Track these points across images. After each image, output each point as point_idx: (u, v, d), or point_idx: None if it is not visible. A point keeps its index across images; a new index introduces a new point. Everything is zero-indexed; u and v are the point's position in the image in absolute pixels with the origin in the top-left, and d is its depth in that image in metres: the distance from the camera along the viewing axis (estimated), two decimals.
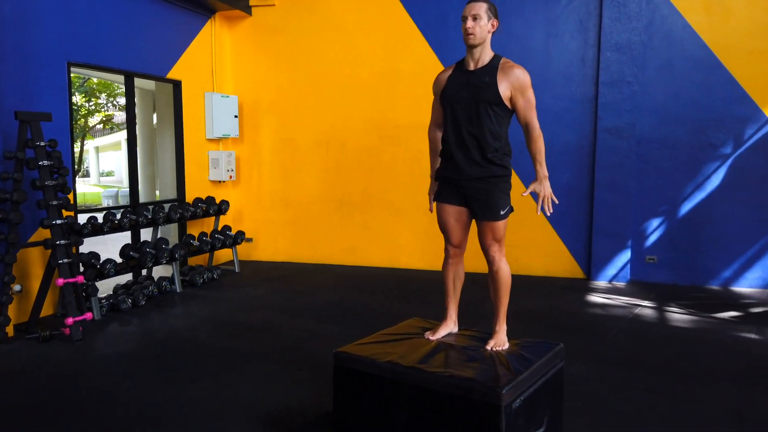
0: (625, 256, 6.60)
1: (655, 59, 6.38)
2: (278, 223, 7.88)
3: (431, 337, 3.07)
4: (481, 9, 2.91)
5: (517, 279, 6.70)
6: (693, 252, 6.49)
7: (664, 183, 6.48)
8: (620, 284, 6.57)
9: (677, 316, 5.39)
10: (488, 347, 2.89)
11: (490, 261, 2.99)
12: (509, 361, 2.65)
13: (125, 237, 6.45)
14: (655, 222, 6.58)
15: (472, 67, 3.01)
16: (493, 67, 2.96)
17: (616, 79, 6.43)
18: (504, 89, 2.91)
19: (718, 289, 6.34)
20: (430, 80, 6.93)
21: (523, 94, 2.92)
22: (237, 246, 7.33)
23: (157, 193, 9.90)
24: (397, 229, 7.40)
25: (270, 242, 7.93)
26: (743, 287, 6.36)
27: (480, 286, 6.45)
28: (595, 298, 6.02)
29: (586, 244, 6.76)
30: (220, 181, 7.62)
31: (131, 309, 5.60)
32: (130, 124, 6.42)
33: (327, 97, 7.51)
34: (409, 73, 7.18)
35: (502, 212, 2.98)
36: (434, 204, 3.26)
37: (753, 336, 4.79)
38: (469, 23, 2.91)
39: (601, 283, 6.63)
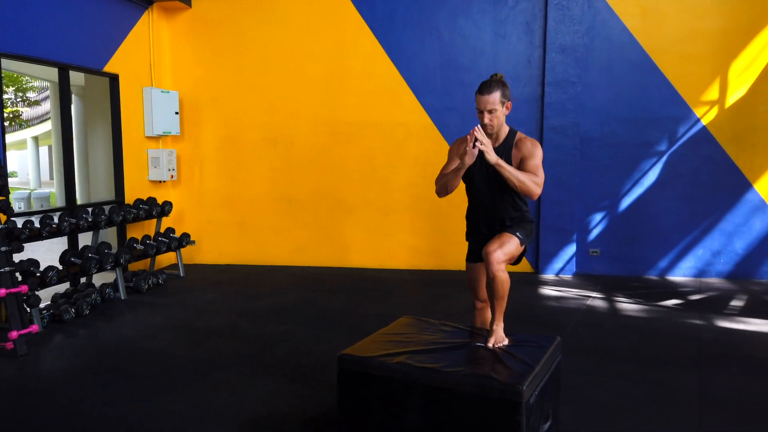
0: (571, 249, 6.87)
1: (596, 61, 6.68)
2: (223, 224, 7.60)
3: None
4: (496, 102, 3.01)
5: None
6: (632, 244, 6.86)
7: (605, 179, 6.80)
8: (567, 277, 6.84)
9: (626, 305, 5.67)
10: (489, 344, 2.91)
11: (489, 265, 2.99)
12: (518, 357, 2.67)
13: (55, 243, 5.99)
14: (597, 216, 6.89)
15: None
16: (508, 146, 3.12)
17: (561, 80, 6.67)
18: (516, 163, 3.08)
19: (656, 279, 6.74)
20: (381, 77, 7.03)
21: (529, 160, 3.06)
22: (181, 249, 7.00)
23: (78, 195, 9.25)
24: (349, 227, 7.34)
25: (214, 244, 7.63)
26: (678, 276, 6.79)
27: (454, 285, 6.54)
28: (547, 291, 6.23)
29: (534, 239, 6.98)
30: (160, 181, 7.24)
31: (75, 319, 5.21)
32: (65, 121, 5.97)
33: (274, 93, 7.32)
34: (359, 71, 7.12)
35: (517, 233, 3.11)
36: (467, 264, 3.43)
37: (698, 322, 5.12)
38: (487, 119, 3.03)
39: (549, 276, 6.88)
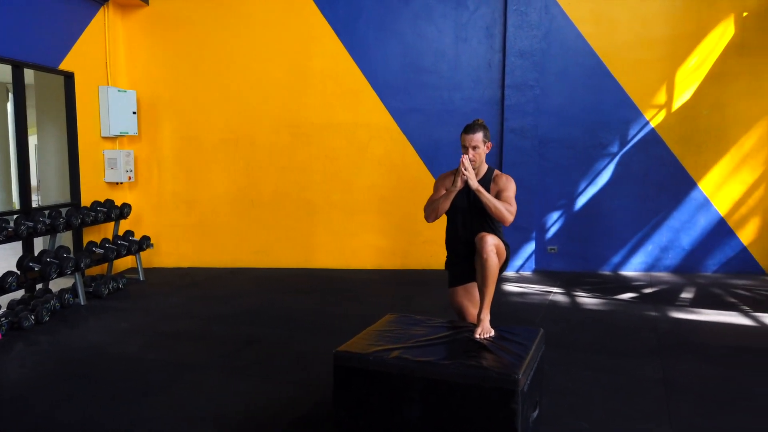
0: (530, 247, 7.10)
1: (553, 65, 6.93)
2: (182, 227, 7.44)
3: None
4: (479, 141, 3.36)
5: (434, 273, 7.02)
6: (587, 241, 7.15)
7: (562, 179, 7.06)
8: (527, 273, 7.06)
9: (586, 300, 5.92)
10: (476, 335, 3.01)
11: (482, 248, 3.14)
12: (508, 348, 2.78)
13: (2, 248, 5.74)
14: (555, 215, 7.15)
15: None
16: (487, 180, 3.45)
17: (520, 83, 6.89)
18: (493, 195, 3.36)
19: (610, 274, 7.05)
20: (344, 78, 7.08)
21: (503, 192, 3.39)
22: (140, 252, 6.82)
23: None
24: (313, 228, 7.33)
25: (173, 247, 7.47)
26: (630, 271, 7.13)
27: (420, 284, 6.62)
28: (510, 287, 6.42)
29: None
30: (117, 183, 7.03)
31: (35, 326, 5.01)
32: (20, 121, 5.72)
33: (234, 93, 7.23)
34: (322, 71, 7.13)
35: (504, 241, 3.38)
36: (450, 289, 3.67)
37: (654, 314, 5.41)
38: (471, 155, 3.35)
39: (510, 273, 7.08)
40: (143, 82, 7.23)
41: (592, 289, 6.30)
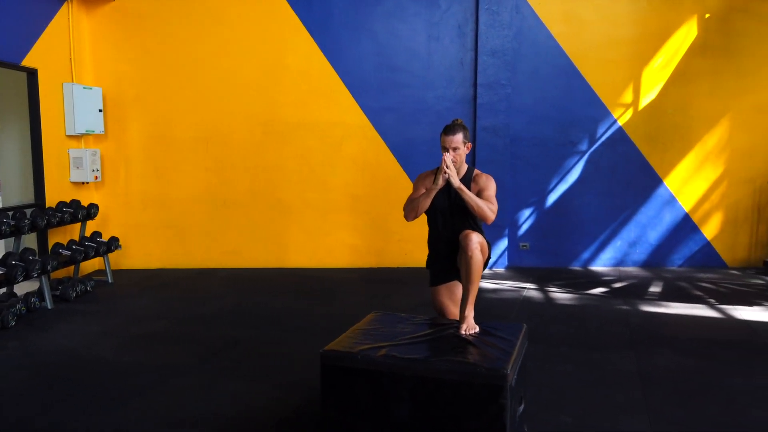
0: (503, 243, 7.19)
1: (525, 65, 7.02)
2: (151, 227, 7.28)
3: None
4: (459, 142, 3.38)
5: (409, 271, 7.05)
6: (558, 237, 7.28)
7: (534, 177, 7.17)
8: (500, 270, 7.15)
9: (559, 295, 6.03)
10: (462, 331, 3.04)
11: (467, 244, 3.15)
12: (494, 344, 2.81)
13: None
14: (526, 212, 7.26)
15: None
16: (468, 180, 3.47)
17: (492, 82, 6.96)
18: (474, 194, 3.36)
19: (580, 270, 7.19)
20: (318, 77, 7.04)
21: (484, 191, 3.42)
22: (108, 254, 6.65)
23: None
24: (286, 228, 7.27)
25: (142, 248, 7.30)
26: (599, 266, 7.28)
27: (395, 282, 6.62)
28: (484, 284, 6.47)
29: None
30: (83, 183, 6.84)
31: (1, 331, 4.83)
32: None
33: (206, 91, 7.11)
34: (295, 70, 7.07)
35: (486, 241, 3.36)
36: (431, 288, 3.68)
37: (625, 308, 5.54)
38: (452, 156, 3.35)
39: (484, 270, 7.14)
40: (110, 79, 7.05)
41: (564, 285, 6.41)
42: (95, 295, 6.04)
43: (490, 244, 3.54)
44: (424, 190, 3.45)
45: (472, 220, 3.43)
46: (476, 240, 3.18)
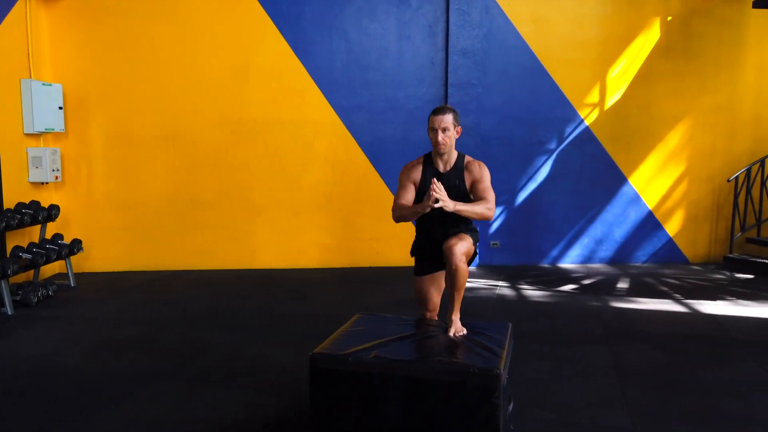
0: None
1: (494, 65, 7.09)
2: (115, 229, 7.06)
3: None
4: (449, 122, 3.23)
5: (381, 270, 7.04)
6: (527, 235, 7.38)
7: (503, 176, 7.23)
8: (472, 268, 7.19)
9: (531, 292, 6.11)
10: (450, 334, 3.03)
11: (451, 257, 3.12)
12: (484, 344, 2.82)
13: None
14: (497, 210, 7.33)
15: (441, 168, 3.34)
16: (459, 168, 3.33)
17: (463, 82, 7.00)
18: (468, 185, 3.29)
19: (549, 267, 7.31)
20: (288, 75, 6.95)
21: (479, 183, 3.30)
22: (71, 257, 6.41)
23: None
24: (257, 228, 7.15)
25: (105, 250, 7.07)
26: (567, 264, 7.42)
27: (368, 282, 6.59)
28: None
29: None
30: (42, 183, 6.58)
31: None
32: None
33: (172, 88, 6.93)
34: (265, 67, 6.96)
35: (469, 234, 3.32)
36: (415, 277, 3.57)
37: (596, 303, 5.66)
38: (440, 137, 3.22)
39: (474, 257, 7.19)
40: (70, 76, 6.80)
41: (536, 282, 6.50)
42: (58, 300, 5.82)
43: (478, 232, 3.49)
44: (411, 187, 3.35)
45: (462, 220, 3.35)
46: (460, 251, 3.13)
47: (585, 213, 7.38)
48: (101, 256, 7.05)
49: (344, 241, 7.22)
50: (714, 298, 5.81)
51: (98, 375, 3.94)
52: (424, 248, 3.51)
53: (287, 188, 7.11)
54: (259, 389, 3.69)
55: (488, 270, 7.11)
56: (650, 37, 7.17)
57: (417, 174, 3.36)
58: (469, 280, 6.51)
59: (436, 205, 2.97)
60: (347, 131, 7.07)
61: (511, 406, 2.87)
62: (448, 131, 3.22)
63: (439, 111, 3.25)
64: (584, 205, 7.35)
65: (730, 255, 7.19)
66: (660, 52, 7.19)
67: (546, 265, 7.37)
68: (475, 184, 3.28)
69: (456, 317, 3.15)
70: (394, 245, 7.24)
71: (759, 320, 5.12)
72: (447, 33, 6.99)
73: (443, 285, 3.49)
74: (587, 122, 7.25)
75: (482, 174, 3.29)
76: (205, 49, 6.91)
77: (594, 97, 7.23)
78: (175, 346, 4.49)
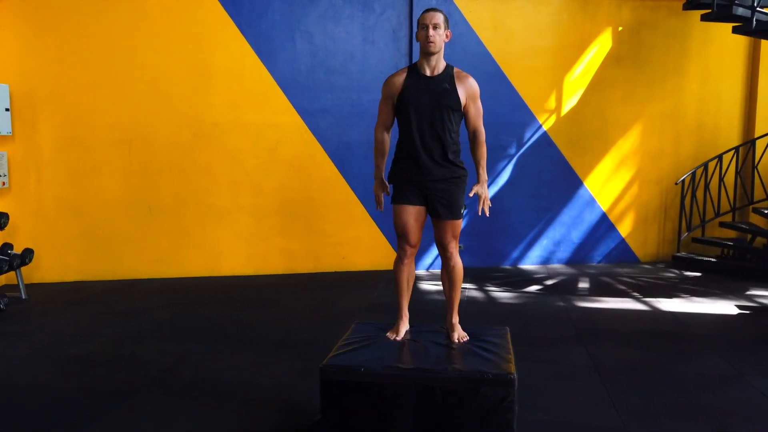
0: None
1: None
2: (67, 237, 6.71)
3: (396, 338, 3.11)
4: (440, 19, 3.09)
5: (347, 275, 7.01)
6: (489, 238, 7.53)
7: (467, 180, 7.33)
8: (437, 271, 7.28)
9: (499, 294, 6.24)
10: (454, 339, 3.06)
11: (447, 257, 3.17)
12: (489, 348, 2.86)
13: None
14: None
15: (429, 73, 3.16)
16: (449, 75, 3.17)
17: None
18: (462, 96, 3.14)
19: (511, 269, 7.49)
20: (250, 77, 6.85)
21: (474, 102, 3.21)
22: (21, 267, 6.04)
23: None
24: (218, 233, 6.96)
25: (57, 259, 6.70)
26: (528, 265, 7.62)
27: (335, 287, 6.53)
28: (426, 286, 6.58)
29: None
30: None
31: None
32: None
33: (127, 90, 6.65)
34: (226, 69, 6.80)
35: (462, 211, 3.17)
36: (394, 206, 3.28)
37: (562, 304, 5.84)
38: (431, 32, 3.05)
39: (422, 271, 7.26)
40: (17, 75, 6.41)
41: (501, 284, 6.65)
42: (11, 314, 5.47)
43: (467, 173, 3.40)
44: (389, 108, 3.19)
45: (453, 125, 3.17)
46: (455, 247, 3.19)
47: (544, 215, 7.60)
48: (52, 265, 6.68)
49: (309, 246, 7.14)
50: (670, 296, 6.11)
51: (73, 392, 3.74)
52: (409, 173, 3.20)
53: (250, 193, 6.97)
54: (247, 400, 3.60)
55: None
56: (603, 46, 7.48)
57: (398, 83, 3.13)
58: (436, 283, 6.62)
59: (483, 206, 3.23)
60: (312, 135, 7.00)
61: (516, 410, 2.93)
62: (439, 29, 3.04)
63: (429, 9, 3.11)
64: (543, 207, 7.58)
65: (678, 254, 7.58)
66: (612, 60, 7.50)
67: (508, 267, 7.55)
68: (469, 103, 3.15)
69: (456, 321, 3.18)
70: (360, 249, 7.23)
71: (714, 316, 5.43)
72: (411, 38, 7.04)
73: (423, 220, 3.26)
74: (545, 127, 7.47)
75: (477, 90, 3.18)
76: (163, 49, 6.68)
77: (551, 103, 7.46)
78: (149, 359, 4.32)
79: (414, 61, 6.80)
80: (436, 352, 2.86)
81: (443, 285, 3.33)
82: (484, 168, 3.24)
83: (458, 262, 3.19)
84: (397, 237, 3.26)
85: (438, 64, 3.15)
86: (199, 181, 6.87)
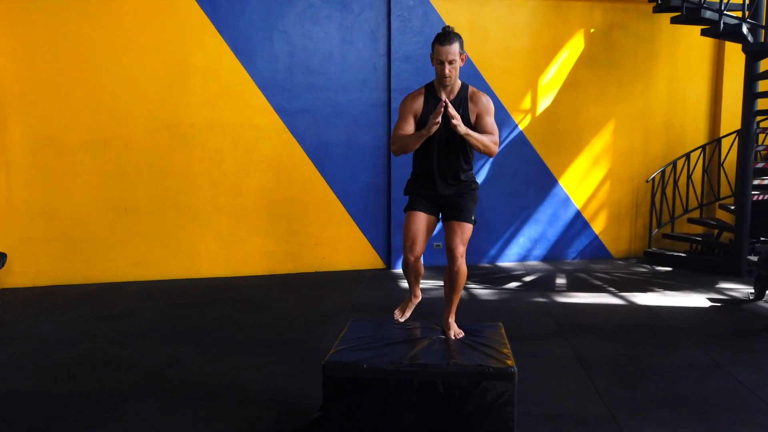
0: None
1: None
2: (40, 240, 6.54)
3: (400, 318, 3.19)
4: (456, 53, 3.08)
5: (329, 275, 7.02)
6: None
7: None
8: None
9: (480, 291, 6.34)
10: (451, 336, 3.12)
11: (453, 260, 3.20)
12: (487, 344, 2.92)
13: None
14: None
15: (445, 97, 3.15)
16: (463, 98, 3.19)
17: (405, 87, 7.10)
18: (473, 117, 3.19)
19: (490, 266, 7.60)
20: (226, 76, 6.83)
21: (482, 118, 3.19)
22: None
23: None
24: (197, 235, 6.89)
25: (29, 264, 6.53)
26: (506, 262, 7.75)
27: (318, 287, 6.52)
28: (406, 284, 6.61)
29: (385, 237, 7.36)
30: None
31: None
32: None
33: (102, 90, 6.52)
34: (203, 69, 6.73)
35: (472, 217, 3.26)
36: (407, 213, 3.38)
37: (542, 300, 5.96)
38: (447, 69, 3.06)
39: (401, 270, 7.31)
40: None
41: (481, 281, 6.75)
42: None
43: (478, 186, 3.46)
44: (411, 119, 3.18)
45: (466, 155, 3.24)
46: (462, 253, 3.23)
47: (520, 214, 7.74)
48: (24, 270, 6.52)
49: (290, 246, 7.12)
50: (644, 290, 6.29)
51: (62, 398, 3.67)
52: (423, 187, 3.31)
53: (229, 194, 6.91)
54: (243, 402, 3.59)
55: (434, 271, 7.25)
56: (576, 47, 7.65)
57: (419, 104, 3.18)
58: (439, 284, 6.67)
59: (452, 123, 2.92)
60: (291, 135, 6.98)
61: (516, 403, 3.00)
62: (455, 62, 3.05)
63: (445, 40, 3.03)
64: (520, 206, 7.71)
65: (650, 250, 7.81)
66: (585, 61, 7.68)
67: (486, 265, 7.66)
68: (481, 116, 3.15)
69: (453, 319, 3.24)
70: (339, 249, 7.25)
71: (688, 309, 5.63)
72: (389, 39, 7.08)
73: (432, 231, 3.37)
74: (521, 127, 7.61)
75: (489, 107, 3.17)
76: (138, 49, 6.57)
77: (527, 103, 7.60)
78: (137, 363, 4.26)
79: (392, 60, 6.88)
80: (436, 347, 2.91)
81: (445, 286, 3.39)
82: (475, 137, 3.08)
83: (463, 268, 3.23)
84: (404, 246, 3.32)
85: (453, 87, 3.19)
86: (176, 182, 6.78)
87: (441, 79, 3.12)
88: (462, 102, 3.16)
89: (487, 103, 3.18)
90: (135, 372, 4.09)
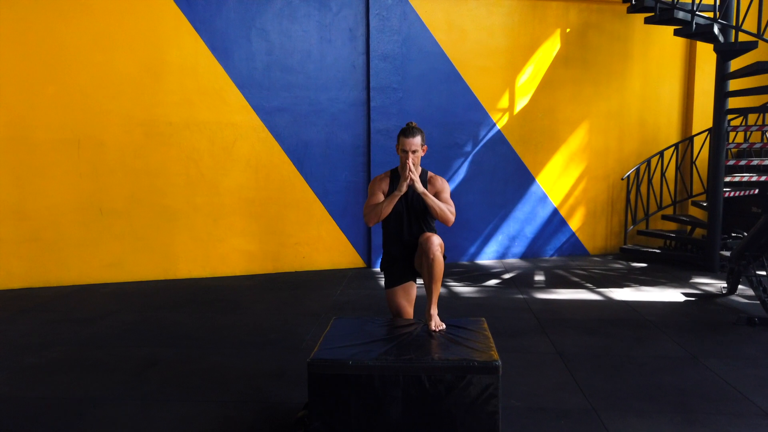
0: None
1: (413, 69, 7.28)
2: (9, 242, 6.39)
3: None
4: (418, 145, 3.49)
5: (308, 275, 6.98)
6: (447, 234, 7.56)
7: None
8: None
9: (461, 288, 6.36)
10: (432, 328, 3.13)
11: (427, 249, 3.24)
12: (470, 338, 2.93)
13: None
14: None
15: (410, 162, 3.50)
16: (423, 182, 3.62)
17: (384, 86, 7.13)
18: (432, 194, 3.55)
19: (469, 264, 7.64)
20: (203, 74, 6.79)
21: (442, 193, 3.67)
22: None
23: None
24: (174, 235, 6.79)
25: (0, 266, 6.38)
26: (485, 260, 7.80)
27: (297, 287, 6.48)
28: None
29: (366, 236, 7.34)
30: None
31: None
32: None
33: (74, 87, 6.40)
34: (179, 66, 6.64)
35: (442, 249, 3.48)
36: (387, 290, 3.77)
37: (521, 296, 6.02)
38: (410, 159, 3.46)
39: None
40: None
41: (461, 278, 6.78)
42: None
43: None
44: (381, 195, 3.49)
45: (428, 222, 3.55)
46: (437, 243, 3.29)
47: (499, 211, 7.79)
48: None
49: (269, 246, 7.07)
50: (621, 286, 6.39)
51: (37, 402, 3.58)
52: (394, 252, 3.65)
53: (206, 193, 6.83)
54: (225, 402, 3.55)
55: None
56: (552, 47, 7.73)
57: (385, 184, 3.64)
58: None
59: (409, 180, 3.37)
60: (270, 134, 6.93)
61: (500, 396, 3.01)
62: (417, 152, 3.47)
63: (409, 133, 3.45)
64: (498, 204, 7.77)
65: (625, 246, 7.93)
66: (561, 61, 7.77)
67: (465, 262, 7.69)
68: (439, 194, 3.61)
69: (434, 311, 3.26)
70: (319, 249, 7.22)
71: (663, 303, 5.73)
72: (368, 37, 7.07)
73: (414, 295, 3.70)
74: (499, 126, 7.67)
75: (445, 186, 3.67)
76: (112, 45, 6.46)
77: (504, 102, 7.66)
78: (114, 365, 4.18)
79: (371, 59, 6.87)
80: (421, 343, 2.91)
81: (423, 278, 3.41)
82: (431, 198, 3.52)
83: (438, 256, 3.31)
84: (393, 317, 3.71)
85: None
86: (152, 182, 6.68)
87: (403, 167, 3.52)
88: (423, 183, 3.58)
89: (442, 183, 3.68)
90: (112, 374, 4.01)
